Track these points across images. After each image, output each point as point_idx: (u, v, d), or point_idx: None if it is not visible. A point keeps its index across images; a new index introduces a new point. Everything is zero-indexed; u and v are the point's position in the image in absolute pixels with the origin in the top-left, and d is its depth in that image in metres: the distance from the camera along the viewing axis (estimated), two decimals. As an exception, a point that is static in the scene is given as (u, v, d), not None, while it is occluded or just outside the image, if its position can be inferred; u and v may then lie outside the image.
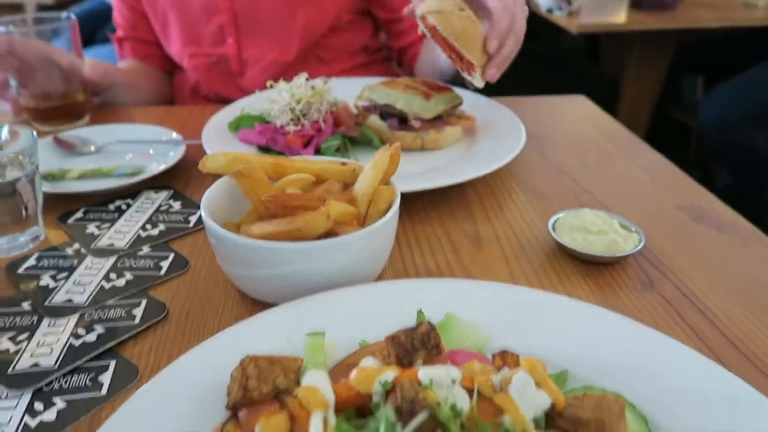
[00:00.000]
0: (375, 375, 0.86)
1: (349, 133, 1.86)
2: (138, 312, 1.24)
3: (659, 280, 1.36)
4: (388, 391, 0.84)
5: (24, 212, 1.43)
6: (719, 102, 4.31)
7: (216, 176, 1.33)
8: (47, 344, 1.15)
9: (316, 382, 0.87)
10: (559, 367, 1.01)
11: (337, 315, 1.11)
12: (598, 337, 1.06)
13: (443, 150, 1.92)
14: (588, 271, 1.39)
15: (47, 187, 1.61)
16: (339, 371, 0.96)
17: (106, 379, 1.08)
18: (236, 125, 1.91)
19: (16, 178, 1.38)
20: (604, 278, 1.37)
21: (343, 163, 1.39)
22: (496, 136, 1.93)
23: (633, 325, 1.09)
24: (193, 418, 0.90)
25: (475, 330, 1.08)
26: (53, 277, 1.35)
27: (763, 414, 0.90)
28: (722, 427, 0.89)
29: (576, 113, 2.40)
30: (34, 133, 1.40)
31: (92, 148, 1.88)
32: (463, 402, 0.84)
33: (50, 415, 1.00)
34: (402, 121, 1.91)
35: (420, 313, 1.09)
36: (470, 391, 0.85)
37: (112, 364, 1.12)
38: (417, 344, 0.94)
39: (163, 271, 1.38)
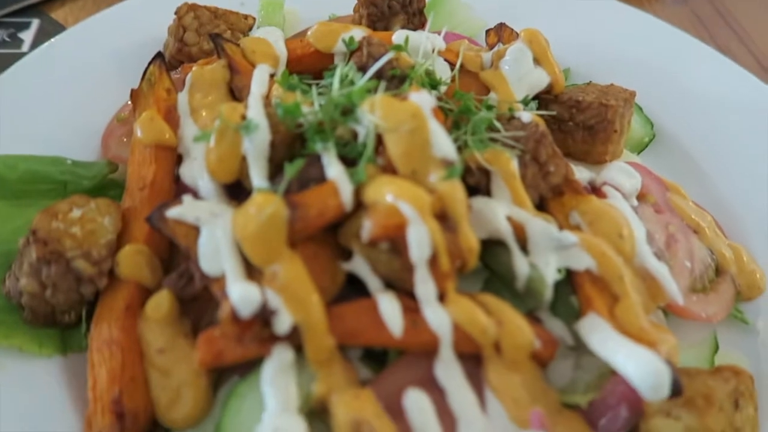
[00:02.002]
0: (338, 31, 0.69)
1: None
2: (68, -29, 1.03)
3: (693, -4, 1.15)
4: (353, 51, 0.68)
5: None
6: None
7: None
8: (-44, -7, 0.96)
9: (267, 35, 0.71)
10: (561, 64, 0.85)
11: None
12: (609, 31, 0.88)
13: None
14: (613, -21, 1.16)
15: None
16: (297, 39, 0.79)
17: (27, 36, 0.92)
18: None
19: None
20: (631, -12, 1.15)
21: None
22: None
23: (651, 20, 0.90)
24: (116, 72, 0.76)
25: (469, 12, 0.89)
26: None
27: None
28: (736, 130, 0.78)
29: None
30: None
31: None
32: (443, 71, 0.69)
33: (-40, 68, 0.86)
34: None
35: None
36: (453, 66, 0.71)
37: (35, 22, 0.94)
38: (396, 6, 0.76)
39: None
